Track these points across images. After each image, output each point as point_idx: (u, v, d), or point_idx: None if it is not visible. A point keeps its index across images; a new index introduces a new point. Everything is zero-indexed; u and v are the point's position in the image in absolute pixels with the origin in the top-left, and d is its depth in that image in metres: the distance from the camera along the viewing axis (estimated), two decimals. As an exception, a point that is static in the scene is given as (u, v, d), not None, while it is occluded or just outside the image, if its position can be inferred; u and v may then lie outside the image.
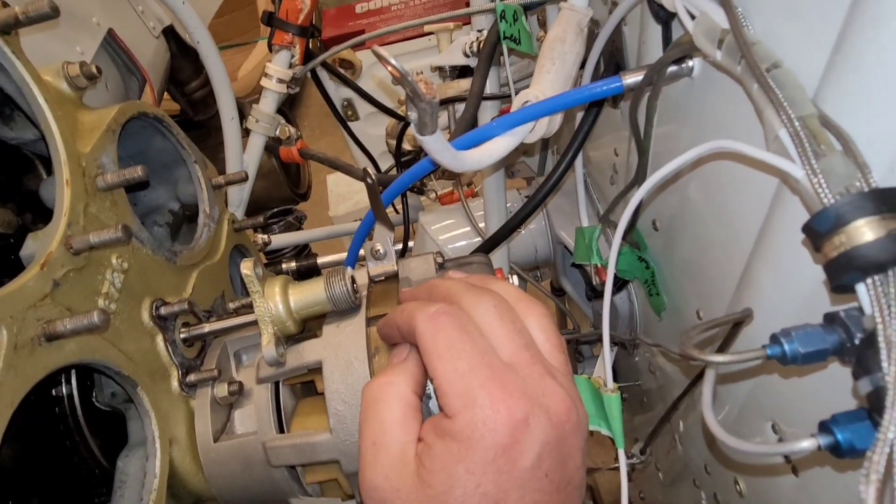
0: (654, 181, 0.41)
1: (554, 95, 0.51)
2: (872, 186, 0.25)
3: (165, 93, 1.08)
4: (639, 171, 0.58)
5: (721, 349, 0.46)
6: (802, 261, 0.33)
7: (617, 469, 0.88)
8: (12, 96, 0.50)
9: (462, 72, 0.92)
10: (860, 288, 0.24)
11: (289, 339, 0.55)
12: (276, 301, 0.51)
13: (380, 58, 0.35)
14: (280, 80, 0.86)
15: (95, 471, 0.54)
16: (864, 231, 0.23)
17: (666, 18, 0.46)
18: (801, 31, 0.31)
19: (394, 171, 1.04)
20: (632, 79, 0.47)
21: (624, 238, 0.58)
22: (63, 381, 0.52)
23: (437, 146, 0.43)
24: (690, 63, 0.45)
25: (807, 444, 0.28)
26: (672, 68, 0.45)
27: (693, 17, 0.38)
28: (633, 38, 0.57)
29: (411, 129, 0.40)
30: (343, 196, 2.21)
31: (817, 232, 0.25)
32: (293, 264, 1.11)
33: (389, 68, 0.35)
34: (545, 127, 0.55)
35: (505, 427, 0.28)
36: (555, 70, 0.54)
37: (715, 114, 0.45)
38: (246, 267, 0.49)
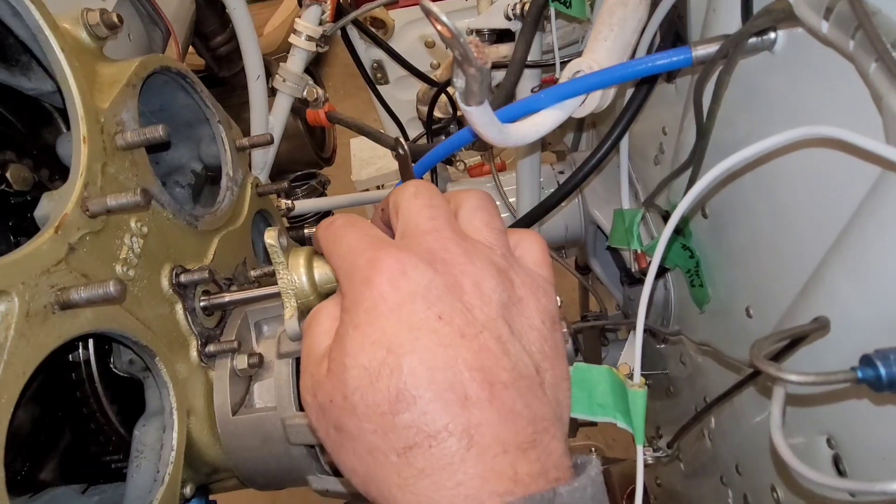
0: (730, 164, 0.36)
1: (610, 66, 0.47)
2: None
3: (190, 47, 1.04)
4: (695, 154, 0.53)
5: (776, 358, 0.42)
6: (901, 271, 0.29)
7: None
8: (29, 45, 0.47)
9: (500, 36, 0.86)
10: None
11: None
12: (301, 273, 0.48)
13: (428, 14, 0.31)
14: (309, 38, 0.82)
15: (112, 437, 0.53)
16: None
17: (749, -18, 0.41)
18: (934, 1, 0.26)
19: (423, 140, 0.99)
20: (703, 50, 0.42)
21: (677, 230, 0.54)
22: (80, 346, 0.50)
23: (484, 119, 0.39)
24: (773, 35, 0.40)
25: (900, 485, 0.24)
26: (752, 40, 0.39)
27: (791, -19, 0.32)
28: (700, 4, 0.52)
29: (456, 99, 0.36)
30: (366, 161, 2.17)
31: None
32: (315, 229, 1.09)
33: (439, 27, 0.31)
34: (597, 100, 0.50)
35: (380, 277, 0.27)
36: (612, 37, 0.49)
37: (797, 97, 0.40)
38: (270, 237, 0.46)
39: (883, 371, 0.26)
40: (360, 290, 0.28)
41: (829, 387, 0.26)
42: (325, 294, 0.51)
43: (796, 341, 0.38)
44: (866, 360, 0.26)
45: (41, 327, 0.37)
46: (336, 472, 0.57)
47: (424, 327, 0.26)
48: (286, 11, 3.40)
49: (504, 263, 0.30)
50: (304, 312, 0.52)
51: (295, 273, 0.46)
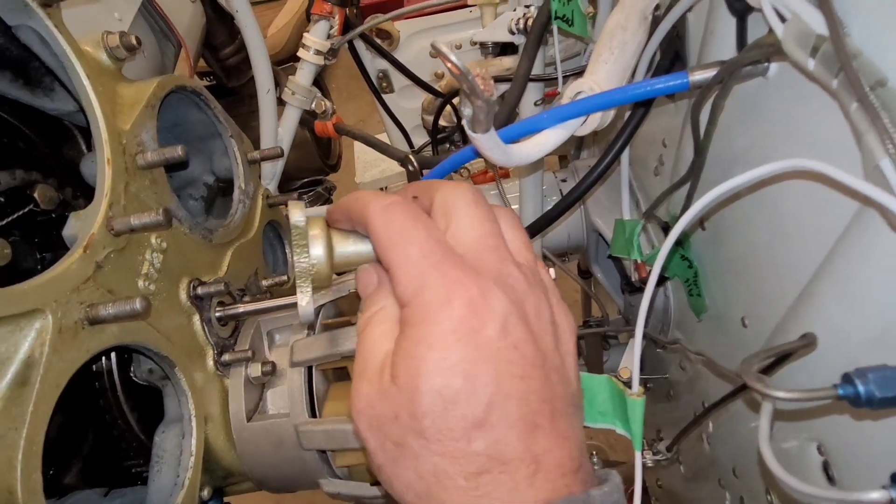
0: (719, 193, 0.38)
1: (611, 89, 0.49)
2: None
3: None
4: (693, 170, 0.55)
5: (767, 371, 0.44)
6: (881, 295, 0.31)
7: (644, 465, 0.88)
8: (55, 71, 0.49)
9: (504, 49, 0.88)
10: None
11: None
12: (323, 264, 0.40)
13: (439, 53, 0.33)
14: (318, 52, 0.84)
15: (133, 443, 0.55)
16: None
17: (743, 11, 0.43)
18: (911, 45, 0.28)
19: (428, 149, 1.01)
20: (700, 76, 0.43)
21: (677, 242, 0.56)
22: (103, 357, 0.52)
23: (490, 143, 0.41)
24: (766, 64, 0.41)
25: (877, 495, 0.26)
26: (746, 68, 0.41)
27: (782, 17, 0.34)
28: (698, 28, 0.53)
29: (464, 126, 0.38)
30: (370, 163, 2.19)
31: (922, 281, 0.23)
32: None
33: (449, 65, 0.33)
34: (598, 120, 0.52)
35: (460, 300, 0.27)
36: (613, 60, 0.51)
37: (788, 121, 0.41)
38: (296, 216, 0.41)
39: (861, 389, 0.28)
40: (438, 309, 0.27)
41: (812, 403, 0.28)
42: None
43: (785, 356, 0.40)
44: (846, 378, 0.28)
45: (72, 342, 0.40)
46: (376, 484, 0.56)
47: (501, 358, 0.27)
48: (290, 13, 3.42)
49: (545, 287, 0.31)
50: (316, 290, 0.48)
51: (317, 261, 0.39)
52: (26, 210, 0.47)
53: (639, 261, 0.72)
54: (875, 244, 0.31)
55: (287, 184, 1.19)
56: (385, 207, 0.31)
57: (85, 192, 0.55)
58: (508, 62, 0.83)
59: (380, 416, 0.28)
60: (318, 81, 1.00)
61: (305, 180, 1.21)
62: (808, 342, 0.36)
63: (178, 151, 0.50)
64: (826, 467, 0.44)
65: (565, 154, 1.23)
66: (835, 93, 0.30)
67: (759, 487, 0.60)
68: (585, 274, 1.21)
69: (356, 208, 0.33)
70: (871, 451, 0.34)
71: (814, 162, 0.29)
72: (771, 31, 0.36)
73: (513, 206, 1.00)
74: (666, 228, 0.74)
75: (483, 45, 0.86)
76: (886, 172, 0.25)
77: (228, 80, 1.14)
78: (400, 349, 0.28)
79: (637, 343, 0.45)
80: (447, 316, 0.27)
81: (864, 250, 0.32)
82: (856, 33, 0.31)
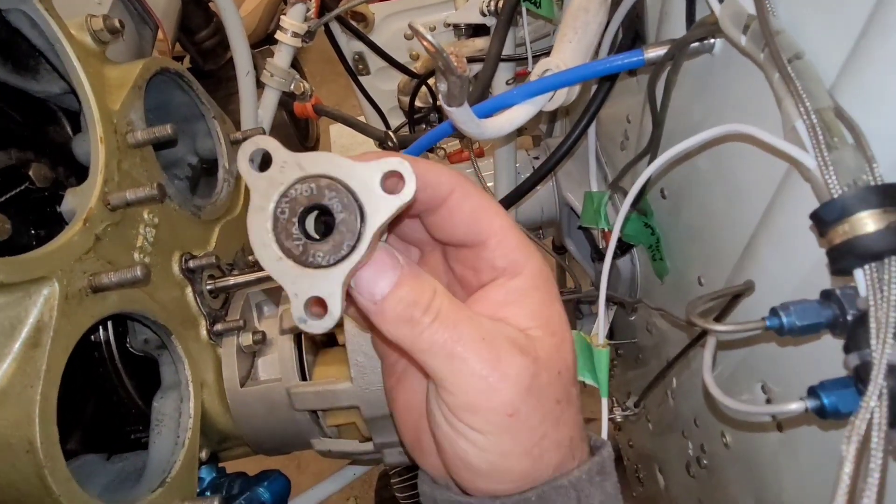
0: (667, 158, 0.43)
1: (575, 66, 0.52)
2: (878, 180, 0.27)
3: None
4: (652, 142, 0.60)
5: (720, 317, 0.49)
6: (805, 242, 0.36)
7: (610, 420, 0.94)
8: (41, 50, 0.51)
9: (476, 30, 0.91)
10: (858, 273, 0.27)
11: None
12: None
13: (416, 33, 0.36)
14: (295, 34, 0.85)
15: (132, 410, 0.58)
16: (867, 222, 0.26)
17: (691, -7, 0.47)
18: (825, 22, 0.32)
19: (405, 129, 1.04)
20: (653, 53, 0.48)
21: (632, 206, 0.61)
22: (101, 328, 0.55)
23: (464, 117, 0.44)
24: (712, 41, 0.46)
25: (795, 406, 0.31)
26: (694, 45, 0.46)
27: (720, -1, 0.38)
28: (655, 8, 0.57)
29: (439, 100, 0.41)
30: (346, 147, 2.20)
31: (824, 220, 0.27)
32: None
33: (425, 43, 0.36)
34: (564, 96, 0.56)
35: (547, 266, 0.31)
36: (576, 40, 0.54)
37: (732, 92, 0.46)
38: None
39: (785, 320, 0.33)
40: (548, 273, 0.31)
41: (745, 333, 0.33)
42: None
43: (733, 301, 0.45)
44: (773, 312, 0.33)
45: (78, 308, 0.42)
46: (365, 441, 0.60)
47: None
48: (257, -2, 3.37)
49: None
50: None
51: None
52: (22, 188, 0.49)
53: (606, 229, 0.76)
54: (798, 196, 0.36)
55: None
56: (467, 180, 0.31)
57: (75, 172, 0.56)
58: (480, 43, 0.87)
59: (548, 380, 0.28)
60: (294, 64, 1.02)
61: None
62: (746, 287, 0.41)
63: (167, 130, 0.52)
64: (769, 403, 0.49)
65: (538, 135, 1.27)
66: (762, 65, 0.34)
67: (716, 432, 0.66)
68: (560, 250, 1.27)
69: (431, 170, 0.30)
70: (795, 373, 0.39)
71: (744, 126, 0.34)
72: (713, 11, 0.40)
73: (488, 183, 1.04)
74: (631, 199, 0.79)
75: (456, 27, 0.89)
76: (800, 131, 0.30)
77: (205, 64, 1.14)
78: (541, 308, 0.29)
79: (601, 296, 0.49)
80: (552, 281, 0.31)
81: (791, 202, 0.37)
82: (781, 13, 0.35)
